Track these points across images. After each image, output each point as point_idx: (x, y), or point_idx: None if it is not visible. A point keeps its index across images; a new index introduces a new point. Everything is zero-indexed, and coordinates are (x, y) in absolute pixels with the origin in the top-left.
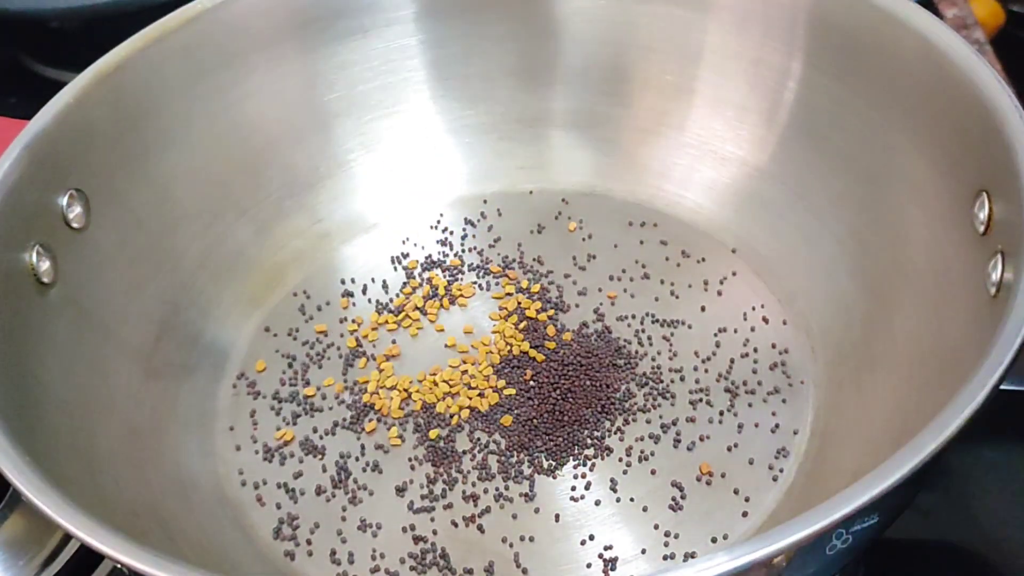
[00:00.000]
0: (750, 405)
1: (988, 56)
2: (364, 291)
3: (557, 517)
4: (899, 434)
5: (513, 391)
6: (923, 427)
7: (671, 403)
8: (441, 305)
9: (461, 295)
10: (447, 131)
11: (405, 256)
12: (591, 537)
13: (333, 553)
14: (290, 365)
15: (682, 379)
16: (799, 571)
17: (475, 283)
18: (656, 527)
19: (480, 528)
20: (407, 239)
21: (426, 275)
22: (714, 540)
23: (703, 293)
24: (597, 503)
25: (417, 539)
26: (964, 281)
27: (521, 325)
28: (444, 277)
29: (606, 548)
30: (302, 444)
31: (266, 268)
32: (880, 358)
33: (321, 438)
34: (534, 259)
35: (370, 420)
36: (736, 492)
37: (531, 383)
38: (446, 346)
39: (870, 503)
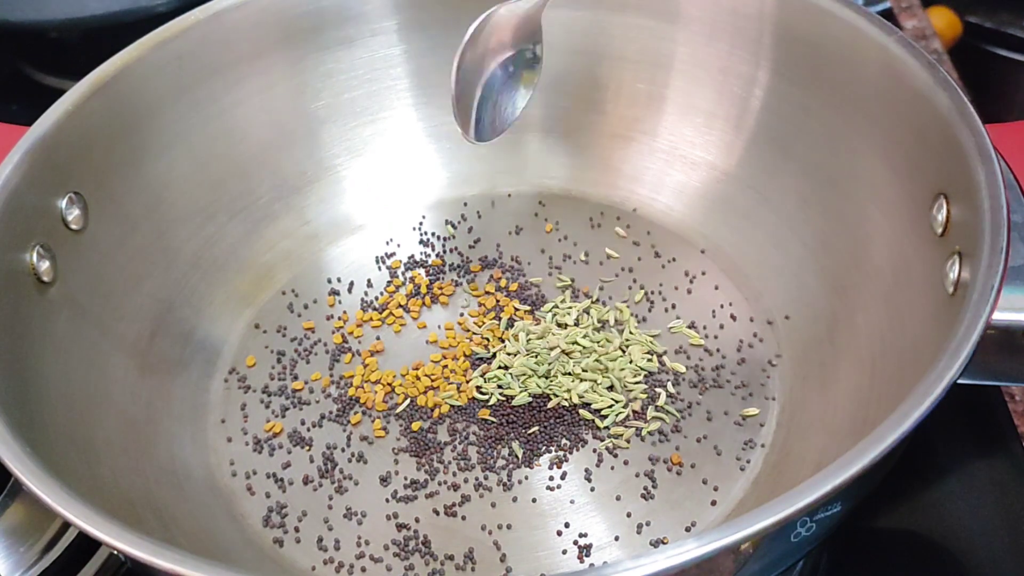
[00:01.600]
0: (718, 398)
1: (946, 65)
2: (350, 290)
3: (534, 505)
4: (861, 426)
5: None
6: (884, 419)
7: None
8: (423, 303)
9: (442, 293)
10: (429, 137)
11: (389, 256)
12: (567, 525)
13: (320, 540)
14: (279, 360)
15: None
16: (765, 557)
17: (456, 282)
18: (629, 515)
19: (460, 516)
20: (391, 240)
21: (409, 274)
22: (686, 529)
23: (674, 292)
24: (572, 492)
25: (400, 527)
26: (923, 280)
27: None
28: (426, 276)
29: (581, 535)
30: (290, 436)
31: (256, 268)
32: (843, 354)
33: (308, 430)
34: (512, 259)
35: (355, 413)
36: (705, 482)
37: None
38: (428, 342)
39: (833, 492)
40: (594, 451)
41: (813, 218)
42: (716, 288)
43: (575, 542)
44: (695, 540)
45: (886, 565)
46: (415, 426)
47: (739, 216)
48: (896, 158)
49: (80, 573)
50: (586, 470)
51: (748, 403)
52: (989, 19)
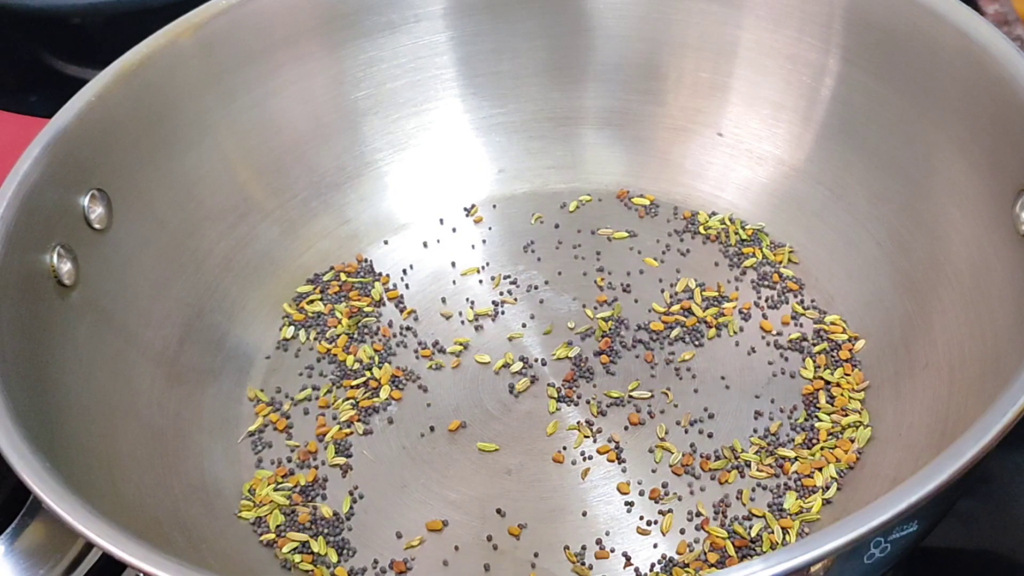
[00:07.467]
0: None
1: None
2: None
3: (584, 514)
4: (939, 439)
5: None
6: (963, 432)
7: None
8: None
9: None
10: (477, 130)
11: None
12: (615, 550)
13: (354, 559)
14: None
15: (721, 379)
16: None
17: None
18: (682, 532)
19: (499, 522)
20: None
21: None
22: None
23: (740, 293)
24: (630, 503)
25: (436, 546)
26: (1005, 283)
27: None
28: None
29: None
30: (326, 449)
31: (292, 270)
32: (919, 361)
33: (345, 441)
34: (567, 259)
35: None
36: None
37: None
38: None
39: (909, 510)
40: (654, 460)
41: (887, 216)
42: (785, 291)
43: (623, 554)
44: (762, 561)
45: None
46: (453, 426)
47: (809, 214)
48: (976, 152)
49: None
50: (640, 479)
51: (819, 413)
52: None
